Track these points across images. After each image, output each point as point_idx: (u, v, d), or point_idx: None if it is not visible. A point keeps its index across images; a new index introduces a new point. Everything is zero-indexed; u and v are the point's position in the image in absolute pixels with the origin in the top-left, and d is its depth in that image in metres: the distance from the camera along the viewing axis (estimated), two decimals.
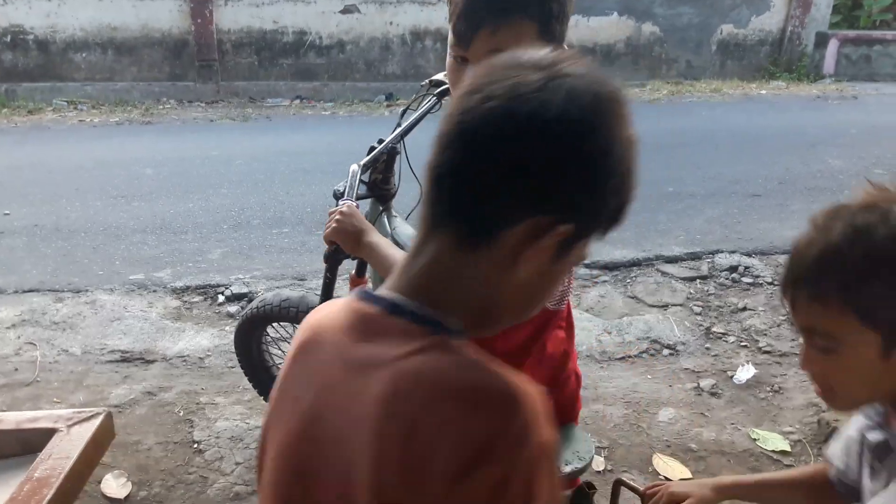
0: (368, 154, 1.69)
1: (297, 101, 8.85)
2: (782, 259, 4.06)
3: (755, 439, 2.59)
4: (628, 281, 3.84)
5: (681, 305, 3.59)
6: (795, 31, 10.78)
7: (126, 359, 3.08)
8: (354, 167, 1.62)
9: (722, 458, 2.50)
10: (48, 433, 0.65)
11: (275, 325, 2.37)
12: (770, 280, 3.83)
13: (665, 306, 3.59)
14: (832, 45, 11.03)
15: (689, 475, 2.39)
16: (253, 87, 8.94)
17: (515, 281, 0.69)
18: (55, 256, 4.01)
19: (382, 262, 1.38)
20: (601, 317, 3.49)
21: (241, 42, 8.95)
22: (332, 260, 1.63)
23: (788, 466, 2.44)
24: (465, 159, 0.68)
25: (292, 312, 2.11)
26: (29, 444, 0.66)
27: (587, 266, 3.89)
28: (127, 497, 2.29)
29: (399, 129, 1.66)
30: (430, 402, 0.63)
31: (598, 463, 2.45)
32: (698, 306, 3.58)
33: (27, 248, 4.12)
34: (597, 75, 0.71)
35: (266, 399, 2.47)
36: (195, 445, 2.53)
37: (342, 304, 0.76)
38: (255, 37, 9.00)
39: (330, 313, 0.76)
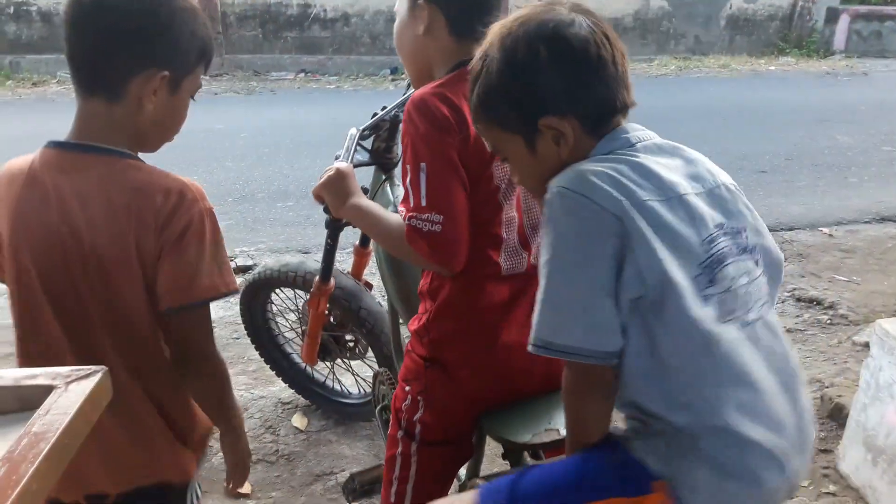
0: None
1: (302, 75, 8.80)
2: (788, 235, 4.06)
3: None
4: None
5: None
6: (806, 6, 10.65)
7: None
8: (353, 130, 1.61)
9: None
10: (46, 390, 0.65)
11: (279, 293, 2.39)
12: None
13: None
14: (843, 21, 10.90)
15: None
16: (257, 60, 8.89)
17: (151, 115, 1.08)
18: None
19: (370, 223, 1.34)
20: None
21: (246, 14, 8.89)
22: (333, 227, 1.63)
23: None
24: (82, 45, 1.05)
25: (291, 277, 2.15)
26: (27, 400, 0.66)
27: None
28: None
29: (403, 97, 1.64)
30: (139, 196, 1.05)
31: None
32: None
33: None
34: None
35: (270, 366, 2.50)
36: None
37: (39, 153, 1.08)
38: (260, 9, 8.93)
39: (32, 160, 1.08)
